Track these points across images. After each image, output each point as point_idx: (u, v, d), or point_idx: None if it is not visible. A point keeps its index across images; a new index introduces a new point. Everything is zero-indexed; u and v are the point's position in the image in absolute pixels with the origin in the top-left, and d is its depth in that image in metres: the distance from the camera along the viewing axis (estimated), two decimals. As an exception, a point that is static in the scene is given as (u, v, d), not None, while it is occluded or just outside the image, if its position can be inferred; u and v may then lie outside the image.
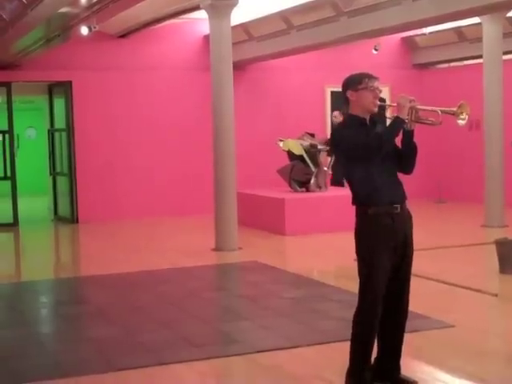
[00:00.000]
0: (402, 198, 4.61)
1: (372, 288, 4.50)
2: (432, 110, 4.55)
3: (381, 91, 4.62)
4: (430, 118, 4.61)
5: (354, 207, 4.64)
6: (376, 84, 4.59)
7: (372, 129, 4.59)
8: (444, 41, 15.11)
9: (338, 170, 12.44)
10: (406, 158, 4.65)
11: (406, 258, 4.63)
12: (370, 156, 4.46)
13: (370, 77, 4.59)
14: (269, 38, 13.62)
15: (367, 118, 4.62)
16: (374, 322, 4.55)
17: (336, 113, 13.48)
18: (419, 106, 4.52)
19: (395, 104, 4.56)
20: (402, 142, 4.61)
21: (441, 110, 4.50)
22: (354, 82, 4.59)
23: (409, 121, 4.50)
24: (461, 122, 4.50)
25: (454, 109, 4.50)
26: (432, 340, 5.93)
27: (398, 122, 4.49)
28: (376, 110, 4.62)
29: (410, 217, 4.67)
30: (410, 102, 4.48)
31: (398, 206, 4.56)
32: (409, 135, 4.57)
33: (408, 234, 4.64)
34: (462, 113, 4.49)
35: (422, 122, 4.59)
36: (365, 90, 4.55)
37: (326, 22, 12.01)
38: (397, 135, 4.55)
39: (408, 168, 4.70)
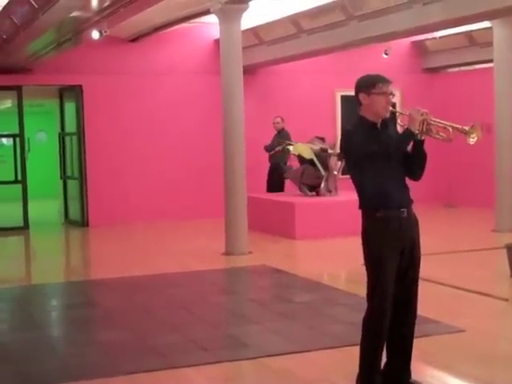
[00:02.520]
0: (408, 202, 4.63)
1: (381, 290, 4.50)
2: (444, 127, 4.53)
3: (394, 95, 4.61)
4: (441, 134, 4.58)
5: (361, 211, 4.64)
6: (390, 89, 4.58)
7: (383, 132, 4.59)
8: (454, 45, 15.07)
9: None
10: (415, 166, 4.65)
11: (413, 261, 4.64)
12: (377, 163, 4.45)
13: (384, 81, 4.57)
14: (279, 42, 13.63)
15: (378, 121, 4.61)
16: (384, 325, 4.54)
17: (278, 119, 13.62)
18: (431, 120, 4.50)
19: (407, 113, 4.55)
20: (412, 150, 4.61)
21: (452, 127, 4.49)
22: (367, 85, 4.57)
23: (419, 132, 4.48)
24: (471, 141, 4.48)
25: (466, 128, 4.47)
26: (442, 345, 5.91)
27: (407, 134, 4.49)
28: (387, 115, 4.62)
29: (416, 221, 4.68)
30: (422, 114, 4.46)
31: (405, 210, 4.57)
32: (419, 145, 4.56)
33: (415, 237, 4.65)
34: (472, 133, 4.48)
35: (432, 136, 4.57)
36: (378, 94, 4.54)
37: (336, 26, 12.00)
38: (406, 147, 4.56)
39: (417, 175, 4.70)
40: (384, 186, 4.53)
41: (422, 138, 4.53)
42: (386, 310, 4.52)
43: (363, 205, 4.62)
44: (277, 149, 13.43)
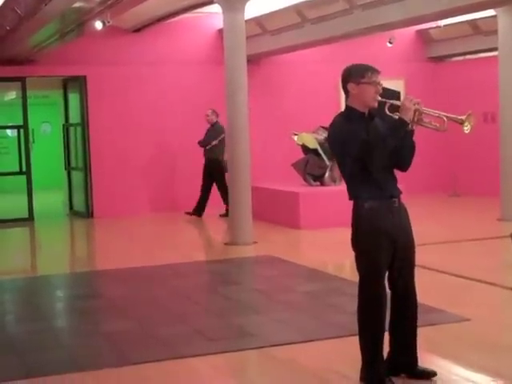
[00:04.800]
0: (398, 191, 4.64)
1: (376, 278, 4.52)
2: (438, 116, 4.49)
3: (382, 85, 4.55)
4: (434, 123, 4.55)
5: (352, 202, 4.64)
6: (378, 78, 4.53)
7: (369, 123, 4.53)
8: (459, 33, 15.01)
9: None
10: (403, 157, 4.62)
11: (407, 248, 4.64)
12: (371, 154, 4.41)
13: (373, 70, 4.53)
14: (283, 31, 13.59)
15: (366, 112, 4.57)
16: (383, 314, 4.55)
17: (209, 111, 13.35)
18: (424, 109, 4.46)
19: (398, 103, 4.49)
20: (402, 140, 4.53)
21: (447, 117, 4.46)
22: (356, 75, 4.52)
23: (411, 122, 4.43)
24: (466, 129, 4.47)
25: (462, 117, 4.45)
26: (447, 334, 5.92)
27: (401, 124, 4.41)
28: (376, 105, 4.56)
29: (405, 209, 4.69)
30: (415, 104, 4.41)
31: (396, 200, 4.59)
32: (409, 135, 4.52)
33: (407, 226, 4.66)
34: (465, 121, 4.45)
35: (424, 126, 4.53)
36: (367, 84, 4.49)
37: (340, 15, 11.97)
38: (399, 137, 4.47)
39: (404, 166, 4.68)
40: (375, 177, 4.51)
41: (413, 127, 4.48)
42: (382, 299, 4.53)
43: (354, 196, 4.62)
44: (213, 143, 13.19)
